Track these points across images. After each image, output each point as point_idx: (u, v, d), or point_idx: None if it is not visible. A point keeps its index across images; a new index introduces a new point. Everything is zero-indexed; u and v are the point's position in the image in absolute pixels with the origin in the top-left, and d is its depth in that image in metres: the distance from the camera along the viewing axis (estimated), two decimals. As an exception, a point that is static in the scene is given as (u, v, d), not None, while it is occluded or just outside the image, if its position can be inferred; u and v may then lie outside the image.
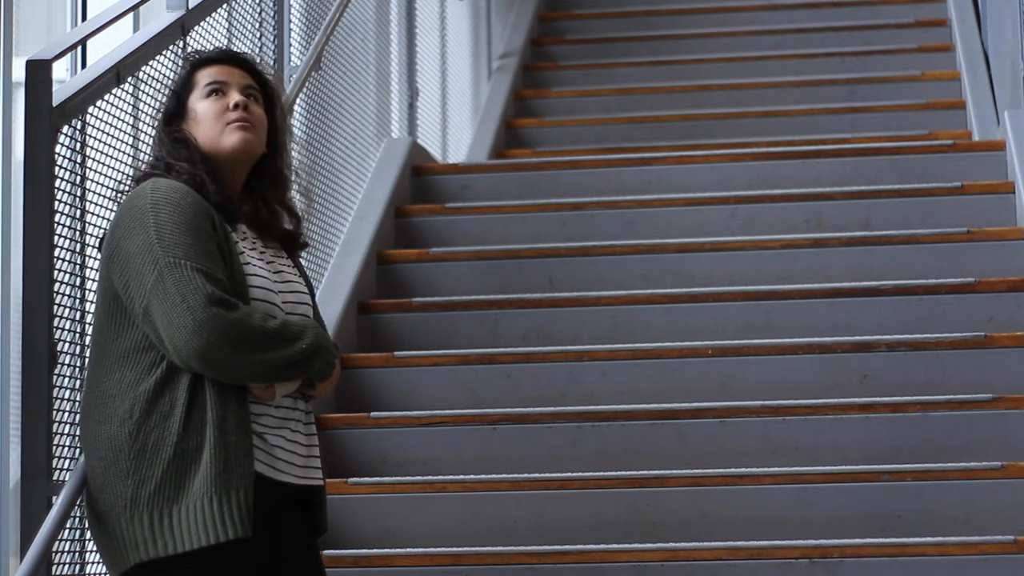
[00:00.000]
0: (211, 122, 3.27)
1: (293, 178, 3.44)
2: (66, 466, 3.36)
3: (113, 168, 3.69)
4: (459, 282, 5.56)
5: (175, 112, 3.31)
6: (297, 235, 3.41)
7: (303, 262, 5.14)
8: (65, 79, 4.02)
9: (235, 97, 3.28)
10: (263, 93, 3.36)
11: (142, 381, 3.10)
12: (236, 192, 3.30)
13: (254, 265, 3.22)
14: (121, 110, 3.73)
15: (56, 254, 3.36)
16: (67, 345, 3.41)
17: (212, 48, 3.54)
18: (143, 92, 3.88)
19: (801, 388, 4.89)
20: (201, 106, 3.29)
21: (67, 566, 3.41)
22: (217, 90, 3.29)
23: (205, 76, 3.31)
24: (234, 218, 3.25)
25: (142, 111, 3.87)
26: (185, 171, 3.21)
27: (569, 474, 4.57)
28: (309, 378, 3.22)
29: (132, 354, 3.12)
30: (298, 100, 5.14)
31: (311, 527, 3.31)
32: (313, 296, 3.41)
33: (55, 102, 3.37)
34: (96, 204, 3.60)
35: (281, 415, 3.21)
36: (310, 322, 3.25)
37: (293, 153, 3.49)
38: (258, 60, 3.42)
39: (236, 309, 3.07)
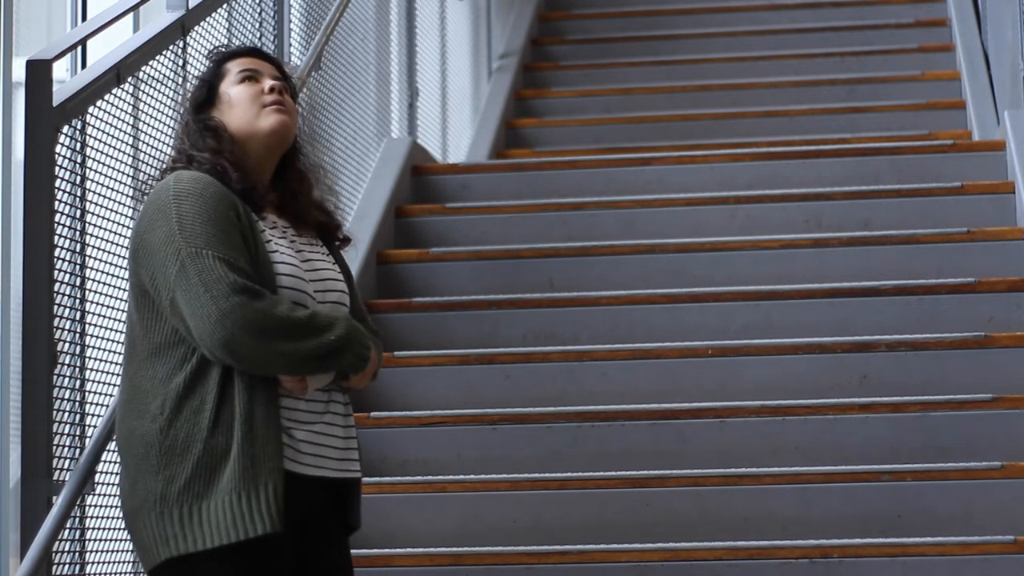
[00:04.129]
0: (247, 104, 3.28)
1: (319, 176, 3.45)
2: (66, 466, 3.36)
3: (113, 168, 3.69)
4: (459, 282, 5.56)
5: (205, 100, 3.31)
6: (334, 227, 3.40)
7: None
8: (65, 79, 4.02)
9: (269, 82, 3.31)
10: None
11: (173, 377, 3.09)
12: (264, 182, 3.28)
13: (282, 253, 3.19)
14: (121, 110, 3.73)
15: (56, 254, 3.35)
16: (67, 345, 3.41)
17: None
18: (143, 92, 3.89)
19: (801, 388, 4.89)
20: (235, 91, 3.30)
21: (67, 566, 3.41)
22: (250, 76, 3.32)
23: (237, 65, 3.33)
24: (259, 206, 3.23)
25: (142, 111, 3.87)
26: (207, 161, 3.20)
27: (569, 474, 4.57)
28: (343, 370, 3.18)
29: (163, 349, 3.11)
30: (298, 100, 5.14)
31: (343, 525, 3.28)
32: (353, 287, 3.37)
33: (55, 102, 3.37)
34: (96, 204, 3.60)
35: (318, 409, 3.17)
36: (343, 313, 3.21)
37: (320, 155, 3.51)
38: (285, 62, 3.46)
39: (262, 298, 3.05)
